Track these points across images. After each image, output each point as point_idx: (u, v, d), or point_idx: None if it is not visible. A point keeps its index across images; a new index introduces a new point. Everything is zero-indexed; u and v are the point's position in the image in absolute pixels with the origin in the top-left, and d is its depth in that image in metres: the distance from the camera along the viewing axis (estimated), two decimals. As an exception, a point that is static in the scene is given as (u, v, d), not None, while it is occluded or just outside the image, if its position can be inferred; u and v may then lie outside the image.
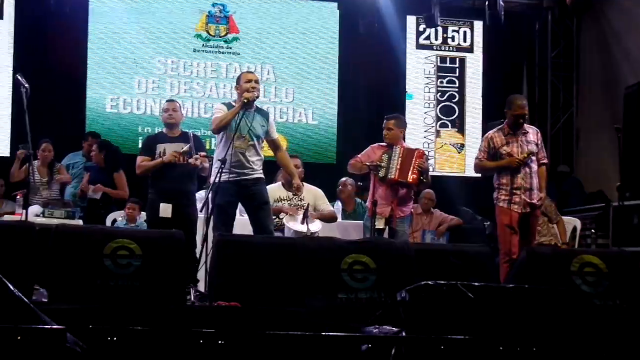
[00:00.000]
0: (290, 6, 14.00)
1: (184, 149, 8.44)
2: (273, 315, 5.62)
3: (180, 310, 5.88)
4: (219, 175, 7.71)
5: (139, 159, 8.69)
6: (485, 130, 9.26)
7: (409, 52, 14.51)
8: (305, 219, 8.89)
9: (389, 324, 4.89)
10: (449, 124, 14.53)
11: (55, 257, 6.04)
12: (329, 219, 9.56)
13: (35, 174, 10.36)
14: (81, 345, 4.00)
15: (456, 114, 14.55)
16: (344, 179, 10.78)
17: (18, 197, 9.86)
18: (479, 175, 9.91)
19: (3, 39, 12.63)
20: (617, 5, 13.96)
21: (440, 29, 14.50)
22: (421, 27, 14.48)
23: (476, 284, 5.07)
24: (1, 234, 6.13)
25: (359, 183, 10.89)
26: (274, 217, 8.66)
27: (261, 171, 8.20)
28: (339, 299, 6.22)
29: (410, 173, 8.83)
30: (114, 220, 10.07)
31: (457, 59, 14.69)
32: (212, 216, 7.74)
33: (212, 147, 12.40)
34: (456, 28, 14.72)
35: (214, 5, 13.60)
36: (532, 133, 8.68)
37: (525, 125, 8.67)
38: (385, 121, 9.17)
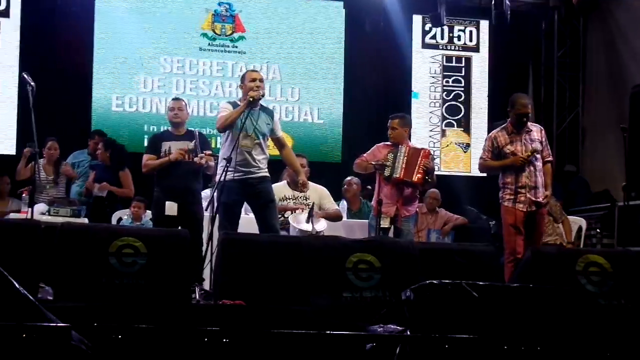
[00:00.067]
0: (296, 5, 13.99)
1: (190, 148, 8.45)
2: (278, 314, 5.63)
3: (185, 308, 5.89)
4: (224, 173, 7.72)
5: (145, 157, 8.70)
6: (490, 129, 9.27)
7: (415, 52, 14.50)
8: (310, 218, 8.89)
9: (394, 323, 4.90)
10: (455, 124, 14.52)
11: (61, 255, 6.06)
12: (334, 218, 9.56)
13: (41, 173, 10.37)
14: (86, 343, 4.01)
15: (462, 113, 14.54)
16: (349, 178, 10.78)
17: (24, 195, 9.86)
18: (484, 174, 9.91)
19: (9, 38, 12.63)
20: (624, 4, 13.94)
21: (446, 28, 14.49)
22: (427, 27, 14.48)
23: (481, 283, 5.08)
24: (7, 232, 6.15)
25: (367, 187, 10.89)
26: (279, 215, 8.66)
27: (266, 169, 8.21)
28: (344, 298, 6.23)
29: (415, 172, 8.83)
30: (120, 219, 10.08)
31: (463, 58, 14.68)
32: (217, 215, 7.74)
33: (218, 145, 12.40)
34: (462, 27, 14.71)
35: (220, 4, 13.60)
36: (536, 131, 8.67)
37: (529, 124, 8.66)
38: (390, 121, 9.17)
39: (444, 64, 14.61)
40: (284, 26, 13.83)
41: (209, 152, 8.61)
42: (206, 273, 7.50)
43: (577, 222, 10.88)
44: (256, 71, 8.80)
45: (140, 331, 4.44)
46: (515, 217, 8.38)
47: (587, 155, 14.71)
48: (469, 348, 4.58)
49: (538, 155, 8.54)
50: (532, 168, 8.48)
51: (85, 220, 9.32)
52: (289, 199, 9.49)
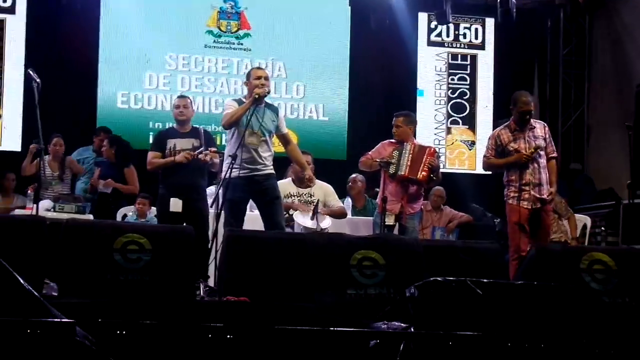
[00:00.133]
0: (301, 3, 13.97)
1: (197, 150, 8.43)
2: (282, 311, 5.63)
3: (189, 304, 5.90)
4: (229, 170, 7.72)
5: (150, 155, 8.71)
6: (496, 127, 9.25)
7: (420, 49, 14.47)
8: (315, 215, 8.89)
9: (398, 320, 4.91)
10: (460, 121, 14.50)
11: (66, 251, 6.07)
12: (338, 215, 9.57)
13: (47, 169, 10.39)
14: (90, 338, 4.03)
15: (467, 111, 14.51)
16: (354, 175, 10.77)
17: (29, 191, 9.88)
18: (489, 172, 9.91)
19: (15, 35, 12.64)
20: (630, 2, 13.91)
21: (451, 26, 14.46)
22: (433, 24, 14.44)
23: (485, 280, 5.08)
24: (12, 228, 6.17)
25: (376, 189, 10.89)
26: (284, 212, 8.67)
27: (272, 167, 8.21)
28: (348, 295, 6.23)
29: (420, 170, 8.84)
30: (125, 215, 10.09)
31: (469, 56, 14.65)
32: (222, 212, 7.75)
33: (223, 142, 12.41)
34: (468, 25, 14.68)
35: (225, 1, 13.58)
36: (539, 128, 8.66)
37: (532, 120, 8.65)
38: (394, 118, 9.17)
39: (450, 61, 14.58)
40: (290, 23, 13.81)
41: (214, 149, 8.61)
42: (211, 270, 7.51)
43: (582, 220, 10.87)
44: (261, 69, 8.80)
45: (144, 327, 4.45)
46: (519, 214, 8.38)
47: (592, 153, 14.69)
48: (473, 345, 4.59)
49: (542, 152, 8.53)
50: (536, 165, 8.47)
51: (90, 217, 9.33)
52: (294, 195, 9.50)
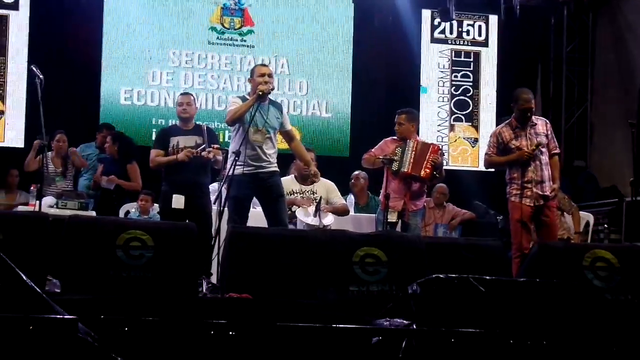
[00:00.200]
0: (305, -1, 14.02)
1: (200, 147, 8.43)
2: (284, 308, 5.63)
3: (191, 301, 5.90)
4: (233, 167, 7.72)
5: (153, 152, 8.70)
6: (499, 124, 9.25)
7: (424, 46, 14.49)
8: (317, 212, 8.89)
9: (400, 317, 4.91)
10: (463, 118, 14.51)
11: (68, 248, 6.07)
12: (341, 212, 9.56)
13: (50, 165, 10.40)
14: (93, 335, 4.02)
15: (470, 108, 14.52)
16: (356, 172, 10.77)
17: (32, 188, 9.89)
18: (492, 169, 9.91)
19: (18, 31, 12.67)
20: (633, 0, 13.91)
21: (455, 23, 14.47)
22: (436, 21, 14.46)
23: (487, 277, 5.08)
24: (15, 224, 6.17)
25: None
26: (287, 209, 8.66)
27: (276, 164, 8.20)
28: (351, 292, 6.23)
29: (424, 167, 8.84)
30: (127, 212, 10.09)
31: (472, 53, 14.66)
32: (225, 209, 7.74)
33: (226, 139, 12.42)
34: (471, 22, 14.69)
35: (228, -2, 13.63)
36: (541, 124, 8.65)
37: (534, 117, 8.64)
38: (397, 116, 9.18)
39: (453, 58, 14.59)
40: (293, 20, 13.82)
41: (217, 146, 8.61)
42: (214, 266, 7.51)
43: (585, 217, 10.87)
44: (265, 66, 8.80)
45: (147, 324, 4.45)
46: (521, 212, 8.36)
47: (595, 150, 14.70)
48: (475, 342, 4.59)
49: (544, 149, 8.52)
50: (538, 162, 8.46)
51: (93, 213, 9.32)
52: (296, 192, 9.49)
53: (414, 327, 4.70)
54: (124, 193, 10.28)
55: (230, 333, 4.39)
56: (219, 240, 7.25)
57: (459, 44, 14.63)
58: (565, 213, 10.58)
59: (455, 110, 14.47)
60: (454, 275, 5.03)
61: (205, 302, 6.25)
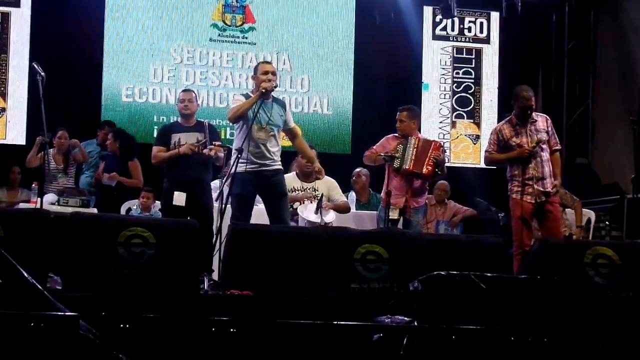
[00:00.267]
0: (306, -4, 14.01)
1: (200, 141, 8.44)
2: (286, 305, 5.64)
3: (193, 298, 5.91)
4: (236, 165, 7.72)
5: (155, 149, 8.70)
6: (500, 121, 9.25)
7: (425, 43, 14.47)
8: (319, 209, 8.89)
9: (401, 314, 4.91)
10: (465, 115, 14.50)
11: (70, 245, 6.08)
12: (342, 209, 9.56)
13: (51, 162, 10.41)
14: (94, 332, 4.03)
15: (472, 105, 14.51)
16: (358, 169, 10.76)
17: (33, 185, 9.91)
18: (492, 166, 9.91)
19: (20, 28, 12.66)
20: (634, -2, 13.93)
21: (456, 20, 14.46)
22: (438, 18, 14.44)
23: (488, 274, 5.08)
24: (17, 221, 6.18)
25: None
26: (289, 207, 8.66)
27: (280, 162, 8.19)
28: (352, 289, 6.24)
29: (426, 164, 8.83)
30: (129, 209, 10.10)
31: (474, 50, 14.64)
32: (226, 207, 7.73)
33: (227, 136, 12.43)
34: (473, 19, 14.68)
35: (230, -6, 13.62)
36: (541, 121, 8.64)
37: (534, 114, 8.63)
38: (398, 113, 9.17)
39: (455, 55, 14.58)
40: (294, 17, 13.81)
41: (219, 143, 8.61)
42: (215, 263, 7.51)
43: (587, 214, 10.87)
44: (269, 63, 8.77)
45: (148, 321, 4.45)
46: (522, 209, 8.36)
47: (596, 147, 14.68)
48: (476, 339, 4.59)
49: (544, 146, 8.52)
50: (538, 159, 8.45)
51: (95, 211, 9.34)
52: (298, 190, 9.50)
53: (415, 324, 4.70)
54: (125, 190, 10.29)
55: (232, 330, 4.40)
56: (220, 237, 7.25)
57: (461, 41, 14.62)
58: (566, 210, 10.58)
59: (457, 107, 14.47)
60: (455, 273, 5.03)
61: (206, 299, 6.25)
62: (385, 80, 14.16)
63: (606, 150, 14.32)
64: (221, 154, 8.55)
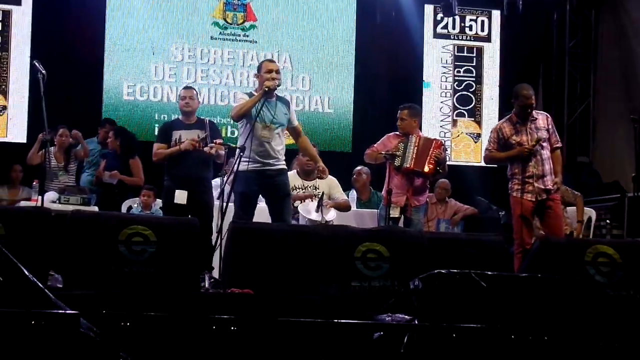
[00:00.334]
0: (307, -6, 14.01)
1: (201, 137, 8.44)
2: (286, 303, 5.64)
3: (193, 296, 5.91)
4: (238, 163, 7.71)
5: (156, 146, 8.70)
6: (501, 119, 9.25)
7: (426, 41, 14.46)
8: (320, 207, 8.89)
9: (402, 312, 4.91)
10: (466, 114, 14.50)
11: (71, 243, 6.09)
12: (343, 208, 9.56)
13: (52, 160, 10.42)
14: (95, 330, 4.03)
15: (473, 103, 14.51)
16: (359, 167, 10.75)
17: (34, 183, 9.91)
18: (494, 165, 9.91)
19: (21, 26, 12.66)
20: (635, -4, 13.93)
21: (457, 18, 14.45)
22: (439, 16, 14.44)
23: (489, 273, 5.08)
24: (17, 219, 6.19)
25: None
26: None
27: (284, 161, 8.16)
28: (353, 287, 6.24)
29: (427, 163, 8.82)
30: (130, 207, 10.10)
31: (475, 48, 14.64)
32: (228, 206, 7.72)
33: (228, 134, 12.44)
34: (474, 17, 14.68)
35: (231, -7, 13.62)
36: (542, 119, 8.63)
37: (534, 112, 8.62)
38: (399, 111, 9.17)
39: (456, 53, 14.57)
40: (295, 16, 13.81)
41: (220, 140, 8.60)
42: (216, 261, 7.51)
43: (587, 212, 10.86)
44: (273, 61, 8.72)
45: (149, 319, 4.46)
46: (523, 207, 8.35)
47: (597, 146, 14.68)
48: (476, 337, 4.59)
49: (545, 144, 8.51)
50: (539, 157, 8.44)
51: (95, 209, 9.35)
52: (299, 188, 9.49)
53: (416, 322, 4.70)
54: (126, 188, 10.29)
55: (232, 328, 4.40)
56: (221, 235, 7.25)
57: (462, 39, 14.62)
58: (567, 208, 10.57)
59: (458, 106, 14.47)
60: (456, 271, 5.03)
61: (207, 297, 6.26)
62: (386, 78, 14.15)
63: (607, 149, 14.32)
64: (222, 152, 8.54)
